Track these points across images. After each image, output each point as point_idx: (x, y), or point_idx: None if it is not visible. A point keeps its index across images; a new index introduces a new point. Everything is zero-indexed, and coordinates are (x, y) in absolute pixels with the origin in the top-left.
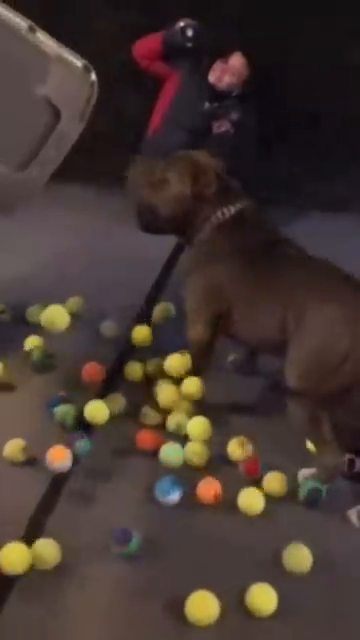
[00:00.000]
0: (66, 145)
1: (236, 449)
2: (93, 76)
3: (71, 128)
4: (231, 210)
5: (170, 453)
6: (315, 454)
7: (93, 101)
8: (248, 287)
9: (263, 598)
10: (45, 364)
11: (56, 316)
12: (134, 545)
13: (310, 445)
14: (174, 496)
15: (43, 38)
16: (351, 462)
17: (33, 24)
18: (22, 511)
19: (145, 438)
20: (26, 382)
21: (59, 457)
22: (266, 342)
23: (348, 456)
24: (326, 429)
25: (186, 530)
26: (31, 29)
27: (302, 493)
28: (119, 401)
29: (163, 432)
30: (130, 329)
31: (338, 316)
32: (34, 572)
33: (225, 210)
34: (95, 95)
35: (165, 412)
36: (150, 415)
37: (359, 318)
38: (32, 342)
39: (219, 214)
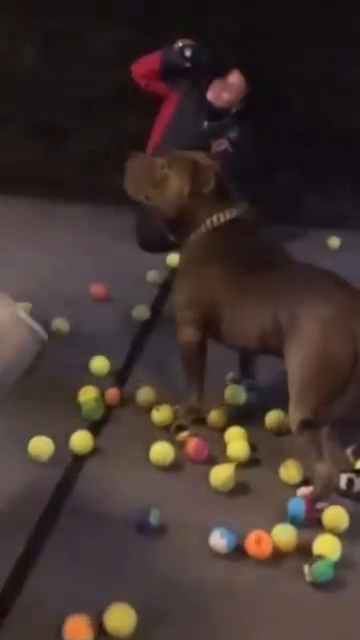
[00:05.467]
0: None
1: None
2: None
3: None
4: (226, 215)
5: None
6: (309, 463)
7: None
8: (238, 290)
9: None
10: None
11: None
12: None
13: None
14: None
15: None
16: (350, 481)
17: None
18: None
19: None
20: None
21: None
22: (256, 346)
23: (347, 475)
24: (323, 438)
25: None
26: None
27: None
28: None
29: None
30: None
31: (332, 317)
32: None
33: (220, 215)
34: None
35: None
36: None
37: (353, 318)
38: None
39: (214, 218)
